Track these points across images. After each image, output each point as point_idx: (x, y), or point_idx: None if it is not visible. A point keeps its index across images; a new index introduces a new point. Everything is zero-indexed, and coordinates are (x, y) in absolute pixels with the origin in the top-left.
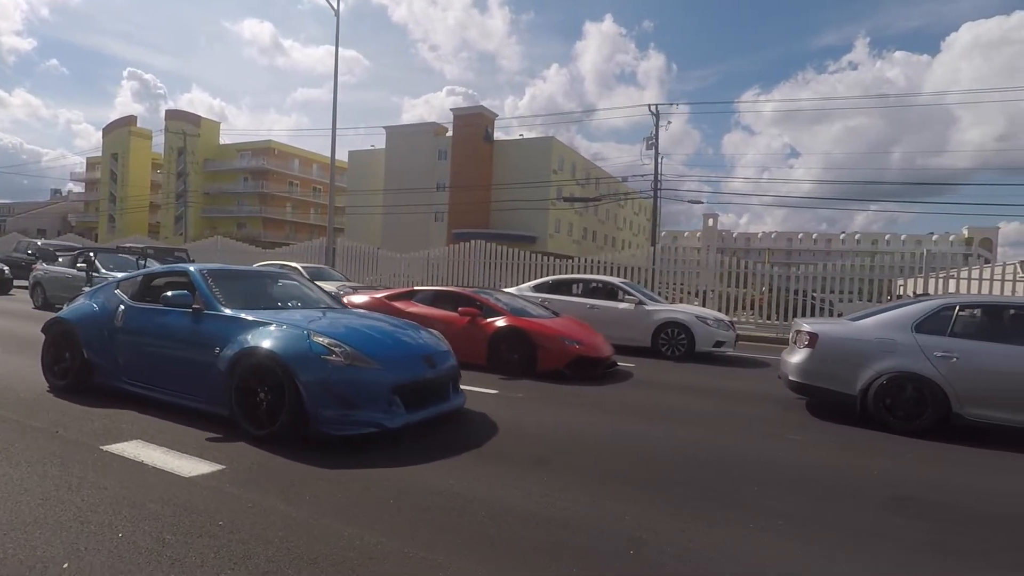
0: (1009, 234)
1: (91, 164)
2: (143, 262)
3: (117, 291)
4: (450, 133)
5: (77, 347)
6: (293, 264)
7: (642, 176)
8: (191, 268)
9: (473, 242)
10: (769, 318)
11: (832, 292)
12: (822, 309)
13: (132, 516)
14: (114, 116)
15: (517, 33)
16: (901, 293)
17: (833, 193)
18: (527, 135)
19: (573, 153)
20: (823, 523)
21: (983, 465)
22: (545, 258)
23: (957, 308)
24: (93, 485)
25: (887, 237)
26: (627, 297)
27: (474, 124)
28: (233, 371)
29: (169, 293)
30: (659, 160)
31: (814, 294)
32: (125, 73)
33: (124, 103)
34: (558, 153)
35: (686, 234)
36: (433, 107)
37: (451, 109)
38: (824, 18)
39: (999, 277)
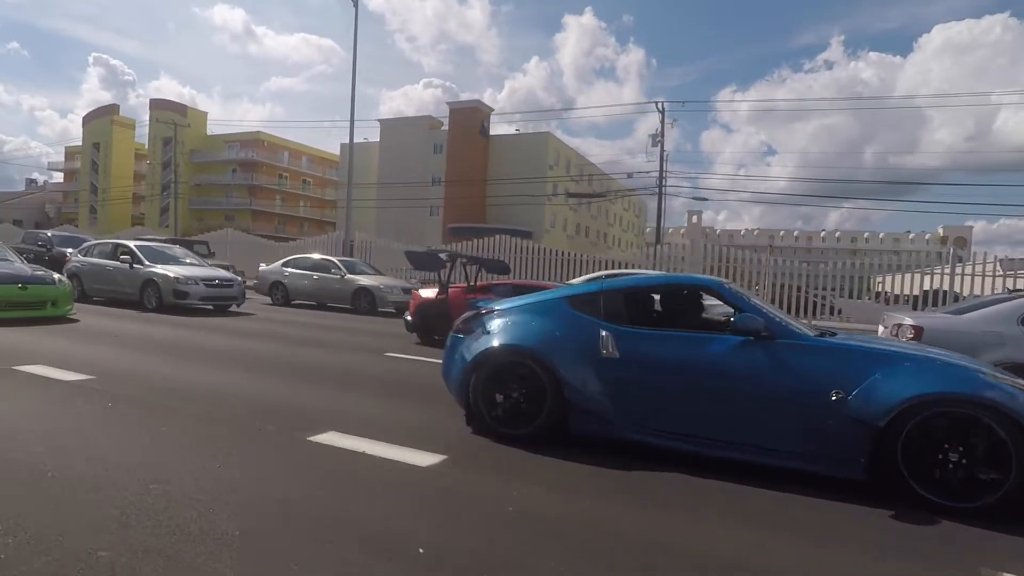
0: (977, 233)
1: (70, 153)
2: (474, 270)
3: (575, 311)
4: (445, 127)
5: (551, 384)
6: (331, 258)
7: (646, 173)
8: (715, 282)
9: (498, 236)
10: None
11: (817, 289)
12: (821, 305)
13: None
14: (80, 103)
15: (496, 25)
16: (880, 290)
17: (809, 190)
18: (517, 130)
19: (569, 149)
20: None
21: None
22: (553, 253)
23: None
24: (316, 468)
25: (866, 235)
26: None
27: (470, 118)
28: (895, 425)
29: (736, 318)
30: (664, 157)
31: (814, 291)
32: (91, 59)
33: (91, 90)
34: (554, 148)
35: (670, 230)
36: (411, 99)
37: (447, 103)
38: (803, 17)
39: (979, 273)
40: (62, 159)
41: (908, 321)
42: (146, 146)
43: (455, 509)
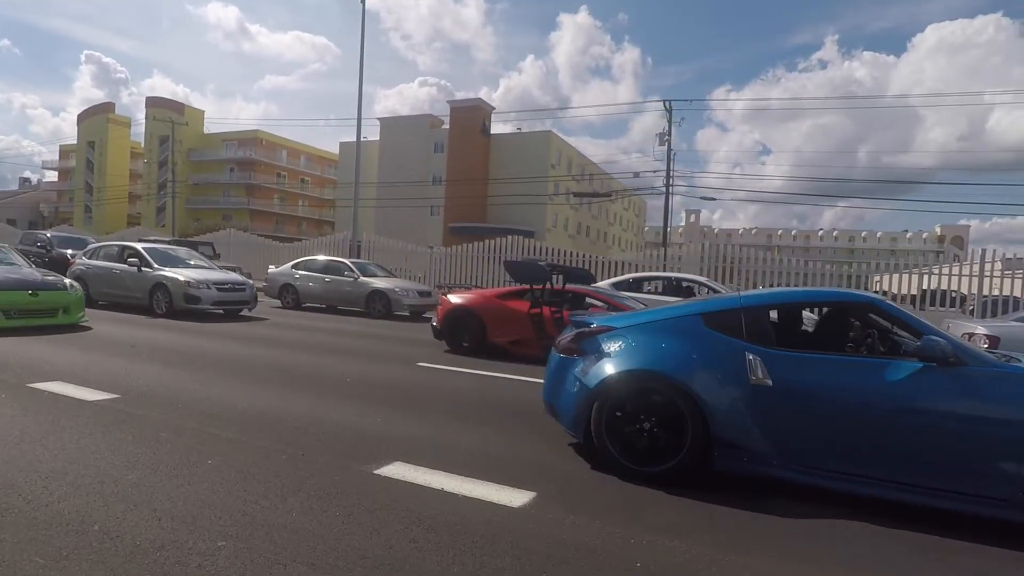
0: (971, 231)
1: (64, 152)
2: (555, 275)
3: (711, 330)
4: (446, 126)
5: (693, 415)
6: (343, 260)
7: (653, 172)
8: (875, 299)
9: (510, 237)
10: None
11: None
12: None
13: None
14: (73, 101)
15: (492, 24)
16: (877, 289)
17: (805, 189)
18: (518, 129)
19: (571, 148)
20: None
21: None
22: (567, 254)
23: None
24: (396, 513)
25: (863, 235)
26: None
27: (471, 117)
28: None
29: (923, 341)
30: (671, 157)
31: None
32: (83, 56)
33: (83, 88)
34: (556, 147)
35: (668, 229)
36: (407, 98)
37: (448, 101)
38: (797, 16)
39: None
40: (56, 157)
41: (981, 330)
42: (142, 144)
43: (574, 567)
